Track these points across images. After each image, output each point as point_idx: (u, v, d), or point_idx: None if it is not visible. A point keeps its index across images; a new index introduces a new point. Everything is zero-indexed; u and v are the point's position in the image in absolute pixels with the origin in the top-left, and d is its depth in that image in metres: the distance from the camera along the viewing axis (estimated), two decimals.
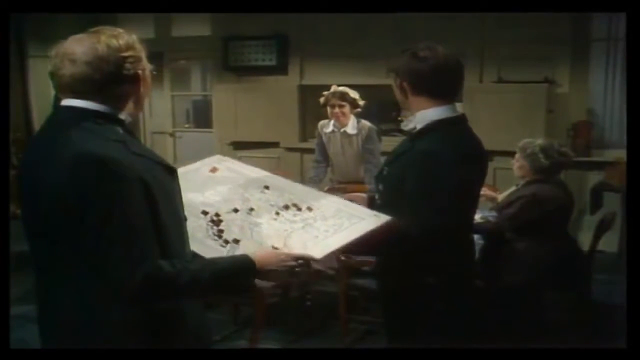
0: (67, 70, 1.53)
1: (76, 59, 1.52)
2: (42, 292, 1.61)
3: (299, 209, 1.93)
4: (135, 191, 1.48)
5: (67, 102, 1.57)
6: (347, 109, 4.52)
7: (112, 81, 1.55)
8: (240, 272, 1.63)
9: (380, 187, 2.14)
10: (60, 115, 1.58)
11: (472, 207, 2.14)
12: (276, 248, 1.75)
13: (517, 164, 3.71)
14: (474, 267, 2.28)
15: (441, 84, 2.03)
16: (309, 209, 1.93)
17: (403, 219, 1.91)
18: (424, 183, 1.91)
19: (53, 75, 1.56)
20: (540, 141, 3.64)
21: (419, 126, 2.05)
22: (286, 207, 1.94)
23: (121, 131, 1.59)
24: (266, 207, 1.94)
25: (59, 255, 1.53)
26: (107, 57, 1.53)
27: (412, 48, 2.05)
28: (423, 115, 2.04)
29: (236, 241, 1.79)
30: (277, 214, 1.91)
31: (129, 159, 1.50)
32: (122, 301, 1.48)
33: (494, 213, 3.80)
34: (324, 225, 1.84)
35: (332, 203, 1.97)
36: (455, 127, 2.04)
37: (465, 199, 2.06)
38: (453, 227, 1.97)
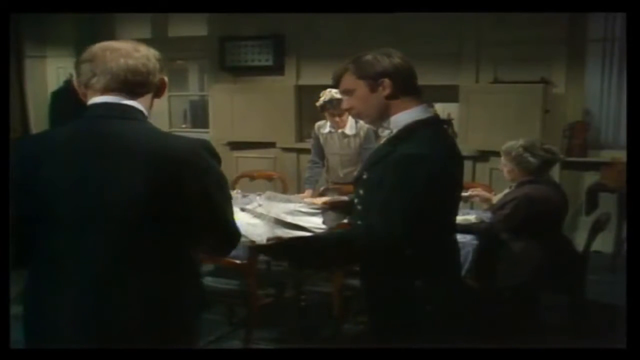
0: (121, 64, 1.58)
1: (129, 54, 1.60)
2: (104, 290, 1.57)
3: None
4: None
5: (111, 99, 1.60)
6: (346, 115, 4.51)
7: (154, 74, 1.64)
8: None
9: (361, 192, 2.09)
10: (106, 112, 1.61)
11: (456, 208, 2.14)
12: None
13: (505, 168, 3.71)
14: (459, 268, 2.26)
15: (416, 83, 2.04)
16: None
17: (378, 220, 1.91)
18: (409, 183, 1.86)
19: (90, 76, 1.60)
20: (521, 142, 3.62)
21: (395, 130, 2.01)
22: None
23: None
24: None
25: (138, 240, 1.58)
26: (149, 55, 1.65)
27: (372, 53, 2.08)
28: (397, 118, 2.00)
29: None
30: None
31: None
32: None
33: (488, 214, 3.82)
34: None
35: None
36: (434, 127, 2.02)
37: (452, 199, 2.06)
38: (437, 228, 1.97)
